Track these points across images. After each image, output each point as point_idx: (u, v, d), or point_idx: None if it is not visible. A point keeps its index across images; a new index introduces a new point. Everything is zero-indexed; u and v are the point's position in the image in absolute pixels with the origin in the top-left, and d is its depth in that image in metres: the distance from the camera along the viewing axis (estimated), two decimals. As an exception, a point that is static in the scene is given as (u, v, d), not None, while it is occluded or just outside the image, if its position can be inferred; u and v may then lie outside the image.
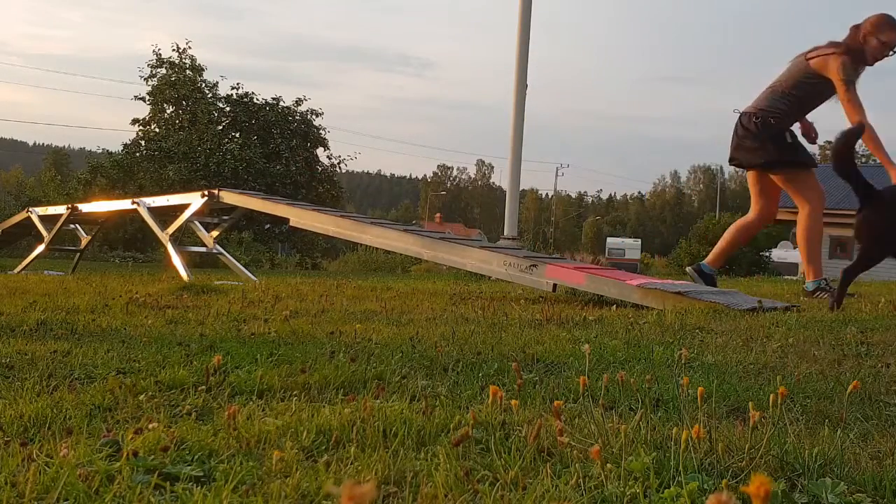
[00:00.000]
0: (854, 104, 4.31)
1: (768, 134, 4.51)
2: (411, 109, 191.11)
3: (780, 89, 4.61)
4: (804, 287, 4.84)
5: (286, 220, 6.97)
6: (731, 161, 4.87)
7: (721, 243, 4.95)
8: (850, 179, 3.72)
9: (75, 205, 9.78)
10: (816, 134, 4.82)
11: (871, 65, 4.48)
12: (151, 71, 25.44)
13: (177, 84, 25.08)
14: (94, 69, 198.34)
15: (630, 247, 44.75)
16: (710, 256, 4.95)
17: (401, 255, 11.93)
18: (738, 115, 4.74)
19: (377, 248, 13.35)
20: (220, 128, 25.73)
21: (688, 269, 5.03)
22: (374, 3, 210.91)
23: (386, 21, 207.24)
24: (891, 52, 4.44)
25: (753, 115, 4.59)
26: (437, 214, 72.41)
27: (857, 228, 3.83)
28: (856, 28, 4.45)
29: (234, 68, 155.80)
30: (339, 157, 27.75)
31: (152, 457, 1.25)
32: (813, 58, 4.48)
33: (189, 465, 1.24)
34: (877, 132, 4.33)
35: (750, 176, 4.84)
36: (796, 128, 4.72)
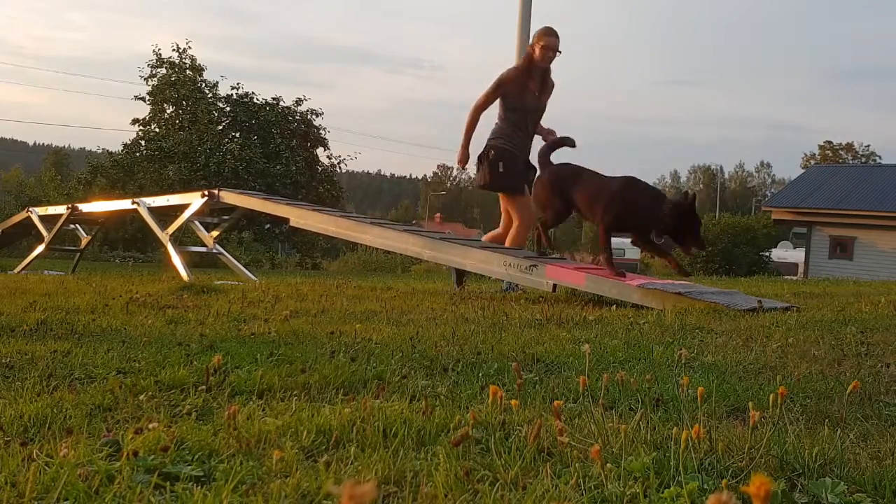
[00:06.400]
0: (480, 99, 5.36)
1: (486, 163, 5.37)
2: (412, 110, 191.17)
3: (498, 118, 5.45)
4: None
5: (286, 220, 6.96)
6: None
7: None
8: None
9: (75, 205, 9.78)
10: (551, 134, 5.40)
11: (545, 67, 5.39)
12: (151, 71, 25.41)
13: (177, 84, 25.05)
14: (96, 70, 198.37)
15: (630, 247, 44.73)
16: None
17: (401, 255, 11.94)
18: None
19: (377, 248, 13.33)
20: (220, 128, 25.70)
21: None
22: (373, 6, 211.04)
23: (386, 23, 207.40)
24: (553, 53, 5.36)
25: (485, 146, 5.42)
26: (437, 214, 72.34)
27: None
28: (530, 45, 5.49)
29: (242, 70, 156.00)
30: (339, 157, 27.75)
31: (152, 457, 1.25)
32: None
33: (189, 465, 1.24)
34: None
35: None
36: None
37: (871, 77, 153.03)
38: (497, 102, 5.44)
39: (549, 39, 5.35)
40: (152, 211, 8.55)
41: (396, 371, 2.06)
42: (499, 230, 5.64)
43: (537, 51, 5.33)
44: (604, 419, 1.51)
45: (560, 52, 5.40)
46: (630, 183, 4.37)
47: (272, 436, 1.41)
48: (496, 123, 5.46)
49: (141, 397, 1.72)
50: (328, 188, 26.58)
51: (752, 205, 60.80)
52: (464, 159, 5.54)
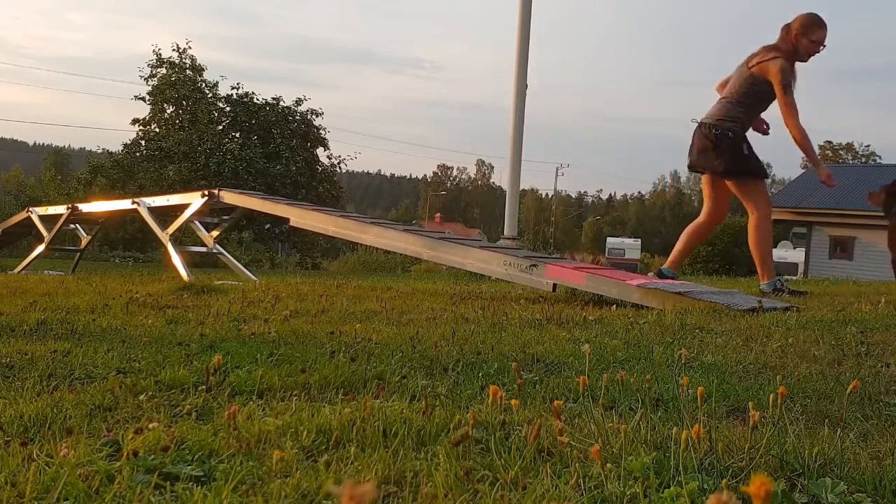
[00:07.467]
0: (790, 107, 4.65)
1: (725, 145, 4.79)
2: (412, 110, 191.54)
3: (733, 99, 4.87)
4: (760, 288, 5.02)
5: (286, 220, 6.97)
6: (691, 168, 5.15)
7: (678, 246, 5.23)
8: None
9: (75, 205, 9.78)
10: (767, 126, 5.03)
11: (806, 62, 4.80)
12: (151, 71, 25.44)
13: (177, 84, 25.07)
14: (96, 70, 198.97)
15: (630, 247, 44.69)
16: (669, 260, 5.26)
17: (401, 255, 11.95)
18: (698, 124, 4.97)
19: (377, 248, 13.34)
20: (221, 128, 25.72)
21: (648, 274, 5.27)
22: (373, 6, 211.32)
23: (386, 23, 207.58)
24: (818, 49, 4.77)
25: (713, 126, 4.84)
26: (437, 214, 72.44)
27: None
28: (786, 29, 4.78)
29: (242, 70, 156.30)
30: (339, 157, 27.78)
31: (152, 457, 1.25)
32: (755, 65, 4.79)
33: (189, 465, 1.24)
34: (809, 134, 4.75)
35: (705, 180, 5.12)
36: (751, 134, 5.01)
37: (871, 77, 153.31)
38: (740, 81, 4.85)
39: (821, 33, 4.73)
40: (152, 211, 8.56)
41: (396, 371, 2.06)
42: (702, 219, 5.16)
43: (805, 42, 4.69)
44: (604, 419, 1.51)
45: (824, 45, 4.78)
46: None
47: (272, 436, 1.41)
48: (726, 104, 4.85)
49: (141, 397, 1.72)
50: (328, 188, 26.61)
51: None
52: (831, 176, 4.84)
